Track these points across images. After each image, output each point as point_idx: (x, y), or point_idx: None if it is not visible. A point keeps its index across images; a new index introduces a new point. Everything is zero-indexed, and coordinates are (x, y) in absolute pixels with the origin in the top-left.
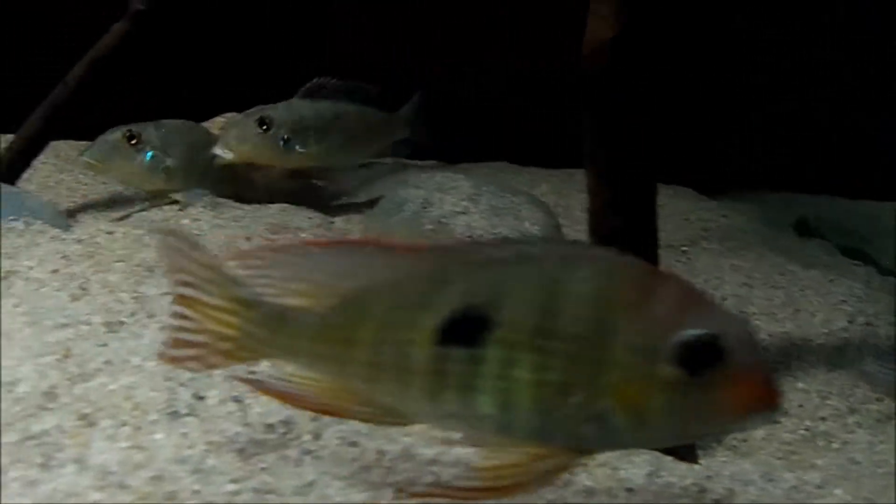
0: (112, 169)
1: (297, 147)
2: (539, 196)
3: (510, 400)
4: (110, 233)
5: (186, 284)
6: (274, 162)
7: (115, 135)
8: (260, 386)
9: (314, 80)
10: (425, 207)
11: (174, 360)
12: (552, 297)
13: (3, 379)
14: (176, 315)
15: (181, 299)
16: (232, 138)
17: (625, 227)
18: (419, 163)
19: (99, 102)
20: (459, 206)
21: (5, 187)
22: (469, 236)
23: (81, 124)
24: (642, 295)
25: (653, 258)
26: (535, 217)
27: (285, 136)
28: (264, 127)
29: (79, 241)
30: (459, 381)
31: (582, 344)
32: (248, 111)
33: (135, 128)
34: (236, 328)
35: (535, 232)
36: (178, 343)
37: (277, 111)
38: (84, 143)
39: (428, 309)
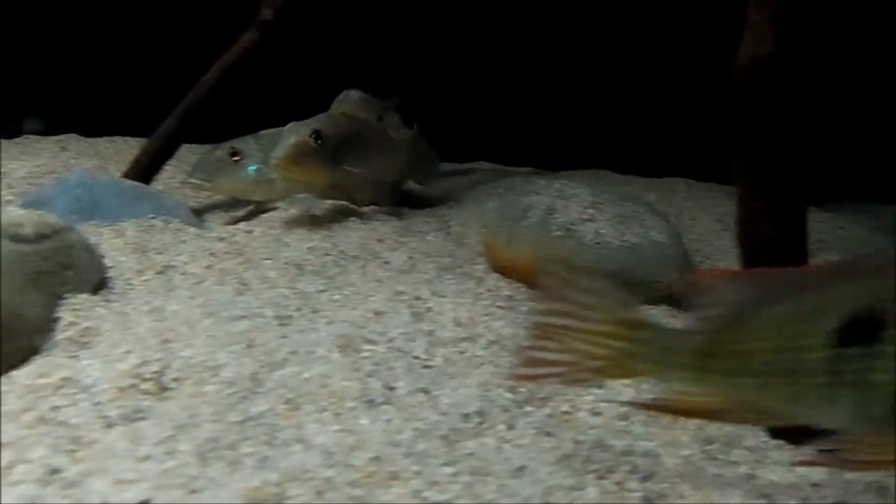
0: (219, 187)
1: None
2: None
3: None
4: (249, 232)
5: (563, 314)
6: (324, 176)
7: (218, 153)
8: (656, 404)
9: (344, 93)
10: (550, 214)
11: (530, 378)
12: None
13: (203, 364)
14: (538, 337)
15: (547, 327)
16: (287, 150)
17: (777, 237)
18: (514, 169)
19: (226, 107)
20: (585, 213)
21: (144, 187)
22: (597, 243)
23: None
24: None
25: None
26: (659, 225)
27: (333, 151)
28: (319, 140)
29: (221, 240)
30: (855, 379)
31: None
32: (291, 125)
33: (235, 143)
34: (615, 349)
35: (662, 240)
36: (537, 362)
37: (322, 125)
38: (203, 146)
39: (823, 315)
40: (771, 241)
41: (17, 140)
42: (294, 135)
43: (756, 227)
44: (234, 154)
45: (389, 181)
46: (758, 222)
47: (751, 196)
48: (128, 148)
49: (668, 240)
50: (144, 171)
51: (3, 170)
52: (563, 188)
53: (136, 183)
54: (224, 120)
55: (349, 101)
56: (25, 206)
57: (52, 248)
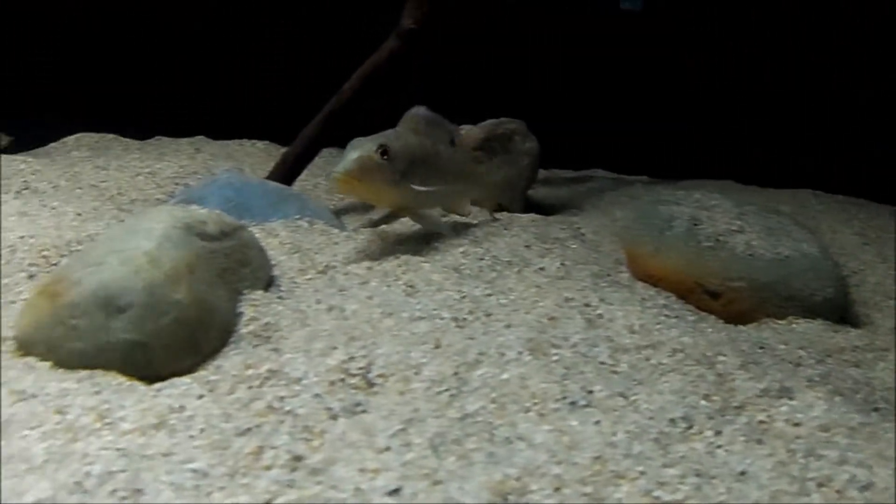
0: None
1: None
2: None
3: None
4: (399, 234)
5: None
6: (388, 195)
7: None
8: None
9: (413, 109)
10: (696, 225)
11: None
12: None
13: (402, 362)
14: None
15: None
16: (349, 164)
17: None
18: (628, 177)
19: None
20: (734, 224)
21: (288, 189)
22: (750, 255)
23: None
24: None
25: None
26: (808, 238)
27: (401, 169)
28: (385, 156)
29: (370, 241)
30: None
31: None
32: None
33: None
34: None
35: (814, 253)
36: None
37: (390, 140)
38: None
39: None
40: None
41: (151, 141)
42: (358, 149)
43: None
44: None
45: (520, 187)
46: None
47: None
48: (256, 151)
49: (819, 253)
50: (287, 173)
51: (149, 170)
52: (702, 199)
53: (280, 185)
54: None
55: (417, 119)
56: (179, 204)
57: (232, 246)
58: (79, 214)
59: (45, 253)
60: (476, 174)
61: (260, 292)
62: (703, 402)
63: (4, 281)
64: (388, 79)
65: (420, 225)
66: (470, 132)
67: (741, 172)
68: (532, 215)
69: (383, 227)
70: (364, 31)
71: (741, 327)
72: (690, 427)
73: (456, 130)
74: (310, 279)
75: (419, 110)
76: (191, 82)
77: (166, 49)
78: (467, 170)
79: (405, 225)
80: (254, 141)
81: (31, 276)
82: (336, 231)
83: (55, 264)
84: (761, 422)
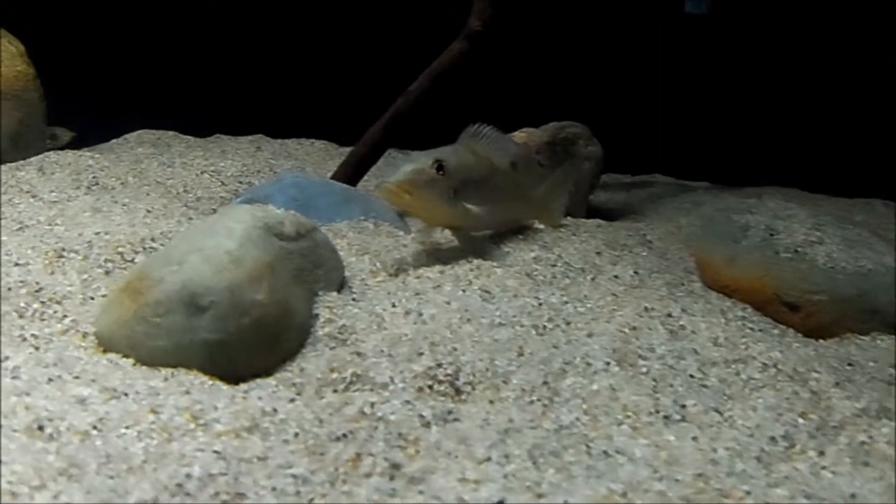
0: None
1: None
2: None
3: None
4: (461, 238)
5: None
6: (441, 210)
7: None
8: None
9: (474, 126)
10: (772, 234)
11: None
12: None
13: (488, 369)
14: None
15: None
16: (402, 176)
17: None
18: (689, 183)
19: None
20: (813, 235)
21: (353, 189)
22: (831, 267)
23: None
24: None
25: None
26: (888, 250)
27: (456, 186)
28: (441, 171)
29: (439, 245)
30: None
31: None
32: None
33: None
34: None
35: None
36: None
37: (447, 156)
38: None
39: None
40: None
41: (211, 139)
42: (414, 162)
43: None
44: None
45: (584, 191)
46: None
47: None
48: (315, 150)
49: None
50: (352, 174)
51: (213, 168)
52: (777, 208)
53: (345, 185)
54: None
55: (477, 136)
56: (246, 202)
57: (307, 247)
58: (149, 211)
59: (120, 249)
60: (534, 197)
61: (334, 294)
62: (800, 420)
63: (83, 276)
64: (455, 79)
65: (463, 248)
66: (533, 135)
67: (807, 180)
68: (597, 221)
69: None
70: (429, 31)
71: (823, 342)
72: (792, 446)
73: (518, 151)
74: (381, 281)
75: (481, 128)
76: (249, 80)
77: (223, 45)
78: (525, 192)
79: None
80: (312, 140)
81: (107, 273)
82: (402, 233)
83: (130, 261)
84: (863, 442)
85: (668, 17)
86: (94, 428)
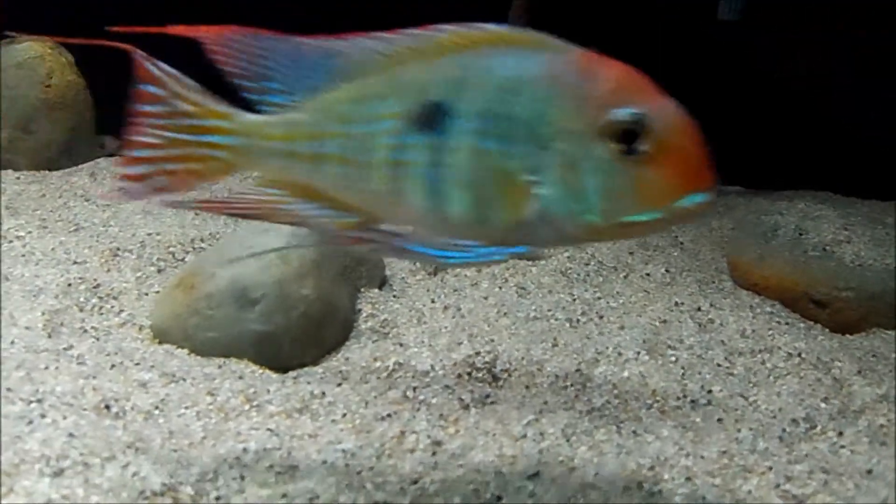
0: None
1: None
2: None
3: None
4: None
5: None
6: None
7: None
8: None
9: None
10: (801, 234)
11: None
12: None
13: (524, 358)
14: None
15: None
16: None
17: None
18: (723, 187)
19: None
20: (841, 234)
21: None
22: (859, 265)
23: None
24: None
25: None
26: None
27: None
28: None
29: None
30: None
31: None
32: None
33: None
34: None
35: None
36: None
37: None
38: None
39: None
40: None
41: None
42: None
43: None
44: None
45: None
46: None
47: None
48: None
49: None
50: None
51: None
52: (807, 208)
53: None
54: None
55: None
56: None
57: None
58: (197, 214)
59: (171, 249)
60: None
61: (376, 290)
62: (822, 405)
63: (137, 274)
64: None
65: None
66: None
67: (840, 183)
68: None
69: None
70: None
71: (848, 336)
72: (813, 427)
73: None
74: (420, 280)
75: None
76: None
77: None
78: None
79: None
80: None
81: (159, 271)
82: None
83: (181, 260)
84: (882, 426)
85: (702, 24)
86: (157, 408)
